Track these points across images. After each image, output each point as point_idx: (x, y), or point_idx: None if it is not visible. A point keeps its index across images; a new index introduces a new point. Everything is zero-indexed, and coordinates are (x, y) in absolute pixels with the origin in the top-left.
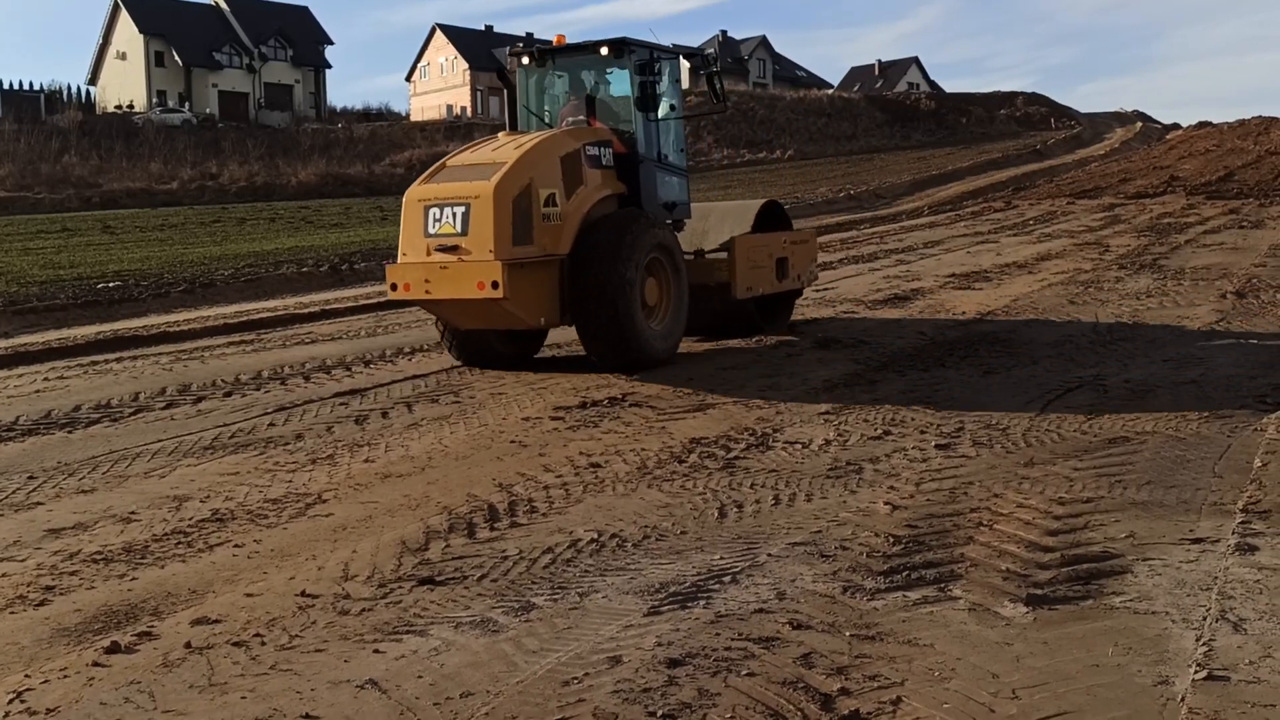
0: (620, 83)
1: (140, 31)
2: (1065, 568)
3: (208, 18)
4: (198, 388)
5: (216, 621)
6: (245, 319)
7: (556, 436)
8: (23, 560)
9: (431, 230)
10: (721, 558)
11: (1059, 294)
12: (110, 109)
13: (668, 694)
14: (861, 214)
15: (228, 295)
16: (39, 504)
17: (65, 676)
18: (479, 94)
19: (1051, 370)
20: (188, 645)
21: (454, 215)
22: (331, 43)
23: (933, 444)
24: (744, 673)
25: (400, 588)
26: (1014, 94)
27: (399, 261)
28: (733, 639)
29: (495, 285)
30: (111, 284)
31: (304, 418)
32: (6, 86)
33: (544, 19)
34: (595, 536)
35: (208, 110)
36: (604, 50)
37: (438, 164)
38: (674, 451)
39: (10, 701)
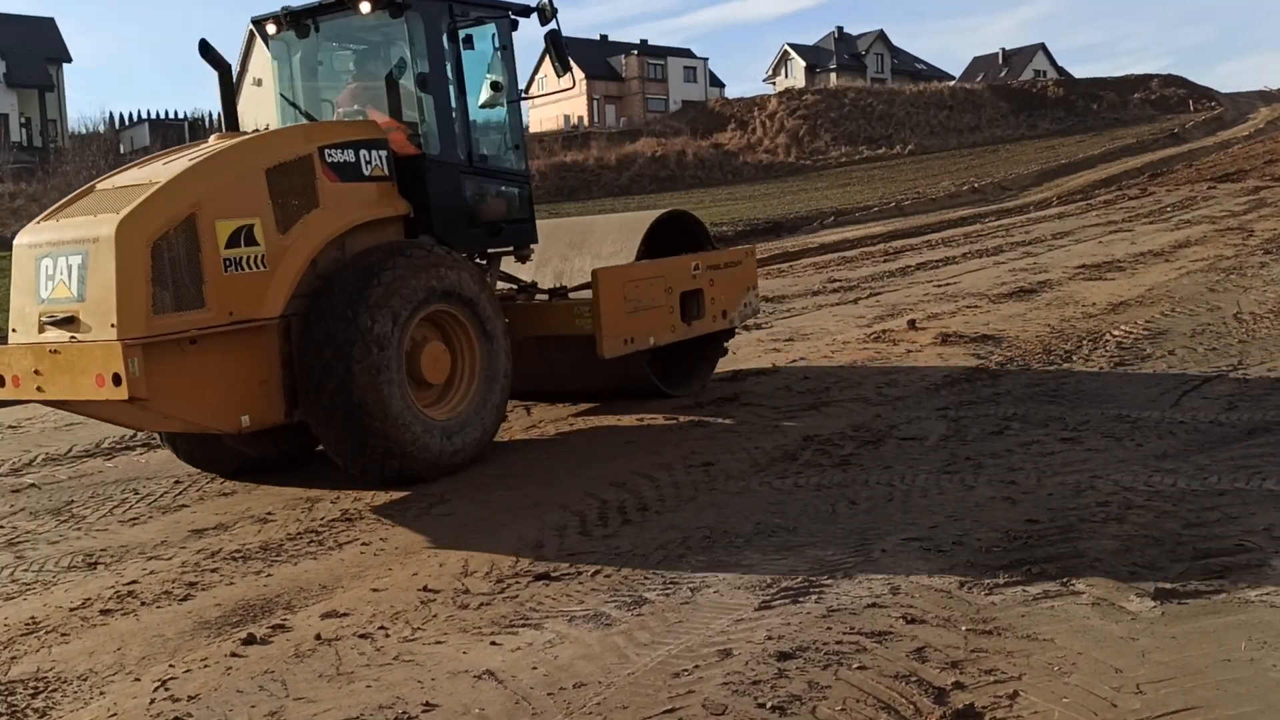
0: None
1: (275, 58)
2: (1197, 561)
3: None
4: None
5: (344, 615)
6: None
7: (669, 436)
8: (169, 559)
9: (44, 294)
10: (834, 553)
11: (1198, 282)
12: (248, 133)
13: (778, 686)
14: (986, 207)
15: None
16: (184, 506)
17: (205, 666)
18: (595, 103)
19: (1188, 361)
20: (318, 637)
21: (69, 270)
22: None
23: (1057, 437)
24: (855, 666)
25: (517, 583)
26: (1148, 77)
27: (8, 341)
28: (844, 633)
29: (118, 380)
30: None
31: None
32: (155, 116)
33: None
34: (707, 533)
35: None
36: (364, 6)
37: (85, 187)
38: (787, 449)
39: (155, 689)
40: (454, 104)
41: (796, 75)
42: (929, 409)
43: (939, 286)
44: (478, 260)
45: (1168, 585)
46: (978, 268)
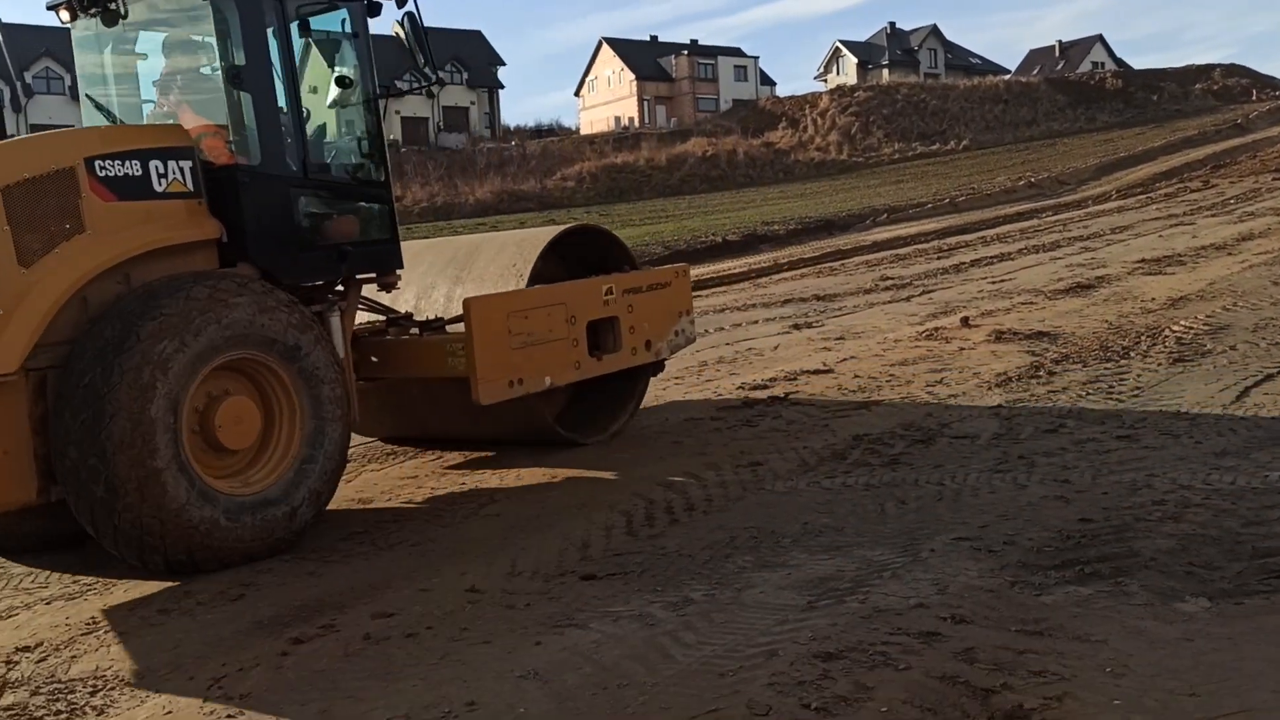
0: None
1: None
2: (1255, 560)
3: (390, 49)
4: None
5: (392, 615)
6: None
7: (718, 436)
8: None
9: None
10: (881, 553)
11: (1261, 276)
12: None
13: (822, 687)
14: (1043, 202)
15: None
16: None
17: (257, 665)
18: (646, 104)
19: (1249, 356)
20: (366, 636)
21: None
22: (504, 64)
23: (1113, 435)
24: (901, 667)
25: (563, 583)
26: (1210, 67)
27: None
28: (890, 633)
29: None
30: None
31: None
32: None
33: (709, 24)
34: (754, 533)
35: (392, 136)
36: None
37: None
38: (836, 449)
39: (209, 687)
40: (283, 103)
41: (848, 72)
42: (981, 407)
43: (994, 283)
44: (329, 291)
45: (1226, 585)
46: (1034, 263)
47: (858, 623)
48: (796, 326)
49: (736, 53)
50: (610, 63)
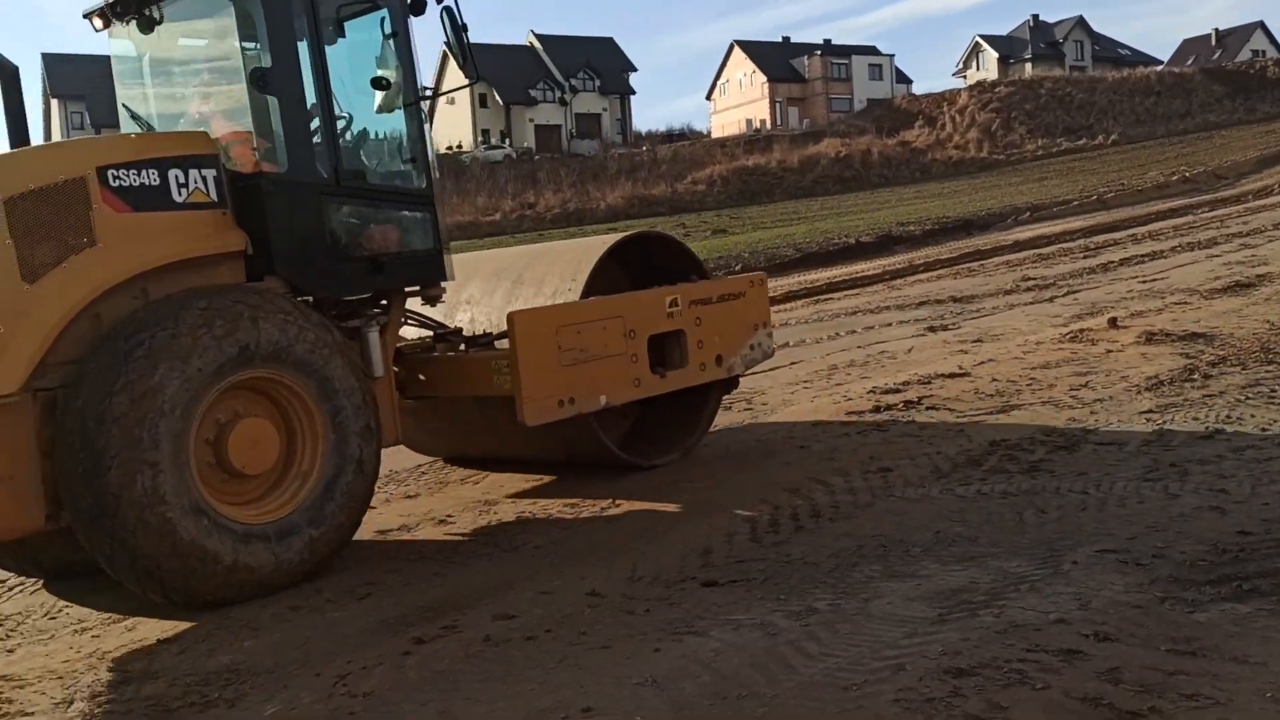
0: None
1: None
2: None
3: (523, 57)
4: None
5: (513, 617)
6: None
7: (847, 441)
8: (353, 558)
9: None
10: (1019, 565)
11: None
12: (441, 150)
13: (953, 705)
14: (1198, 197)
15: None
16: (371, 509)
17: (380, 664)
18: (778, 105)
19: None
20: (486, 638)
21: None
22: (635, 69)
23: (1276, 442)
24: (1038, 686)
25: (684, 589)
26: None
27: None
28: (1027, 650)
29: None
30: None
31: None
32: None
33: (842, 23)
34: (882, 541)
35: (525, 144)
36: None
37: None
38: (971, 455)
39: (334, 684)
40: (314, 107)
41: (989, 67)
42: (1129, 412)
43: (1144, 283)
44: (370, 305)
45: None
46: (1188, 262)
47: (992, 638)
48: (932, 329)
49: (871, 51)
50: (741, 65)
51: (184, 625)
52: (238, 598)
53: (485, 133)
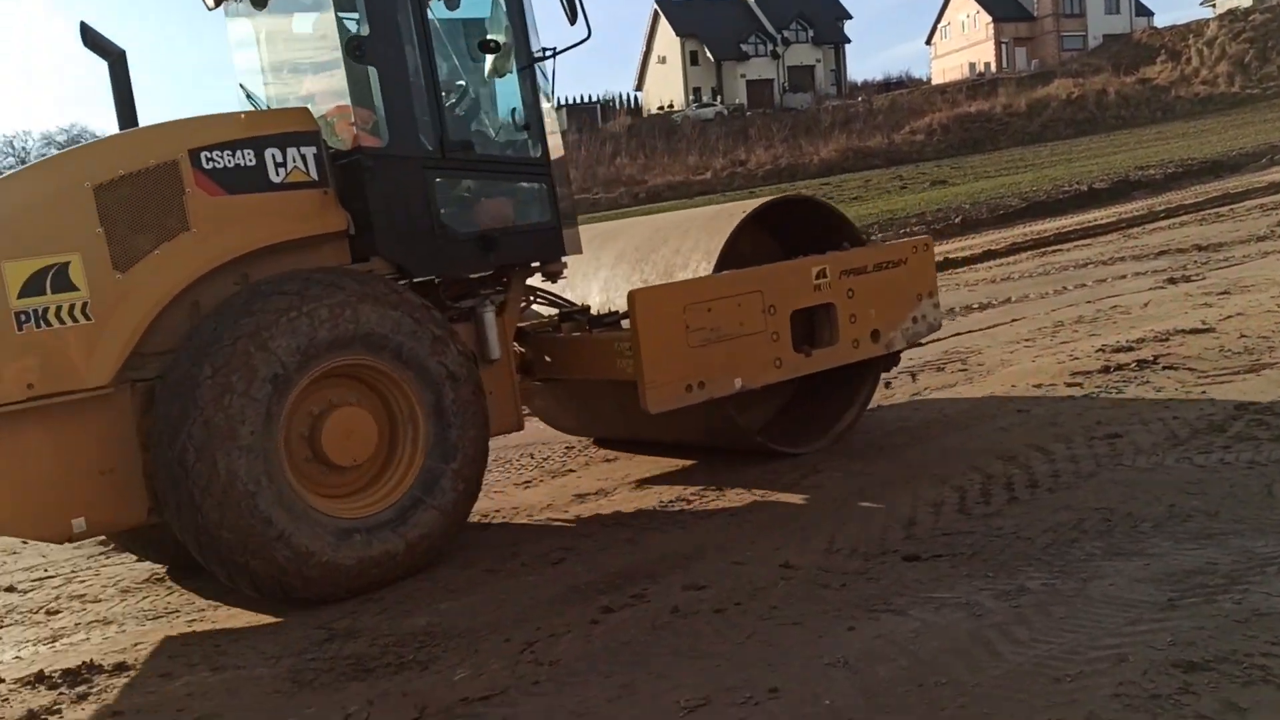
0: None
1: (677, 35)
2: None
3: (735, 11)
4: None
5: (703, 588)
6: None
7: (1071, 404)
8: (551, 522)
9: None
10: (1266, 545)
11: None
12: (653, 110)
13: (1182, 704)
14: None
15: None
16: (571, 471)
17: (569, 631)
18: (1004, 47)
19: None
20: (675, 609)
21: None
22: (850, 17)
23: None
24: None
25: (883, 563)
26: None
27: None
28: (1272, 643)
29: None
30: None
31: None
32: (570, 101)
33: None
34: (1106, 515)
35: (737, 100)
36: None
37: None
38: (1214, 420)
39: (522, 651)
40: (417, 76)
41: None
42: None
43: None
44: (490, 283)
45: None
46: None
47: (1231, 628)
48: (1172, 280)
49: None
50: (964, 5)
51: (386, 586)
52: (332, 595)
53: (696, 91)
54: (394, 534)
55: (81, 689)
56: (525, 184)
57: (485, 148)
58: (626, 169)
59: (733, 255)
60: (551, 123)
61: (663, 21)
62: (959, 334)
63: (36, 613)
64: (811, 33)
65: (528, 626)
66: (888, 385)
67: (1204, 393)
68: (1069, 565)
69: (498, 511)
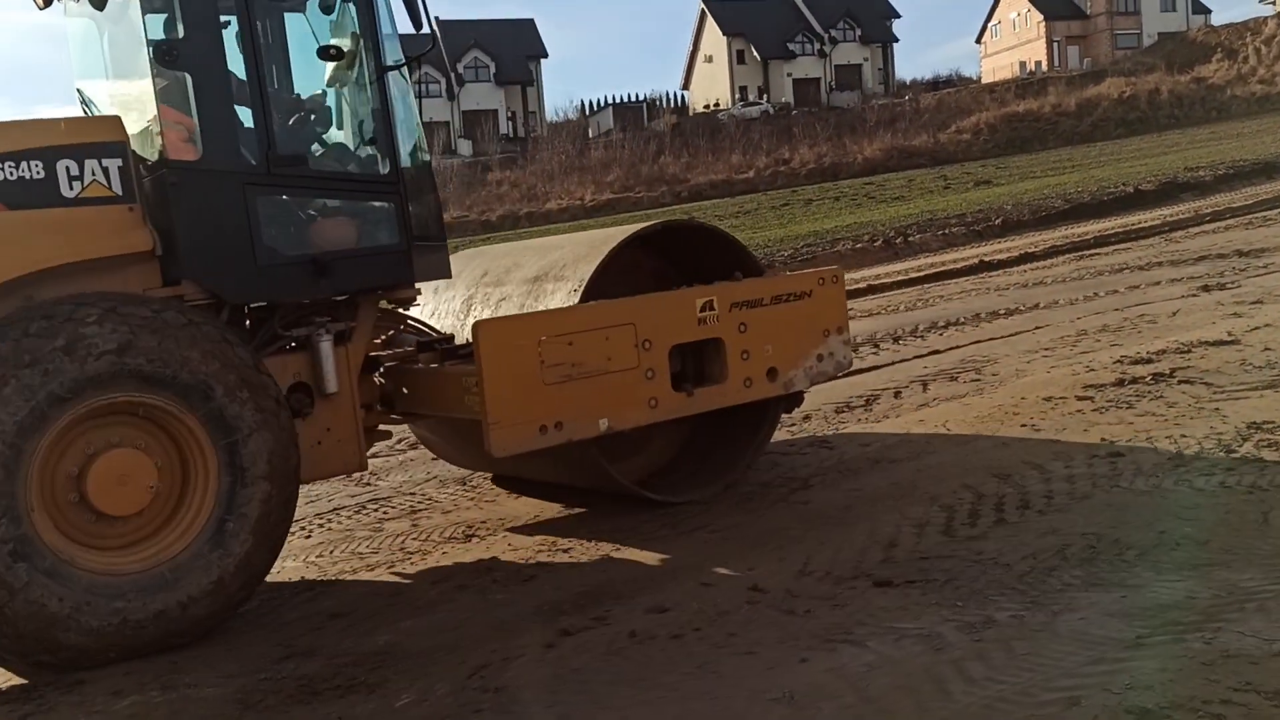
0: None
1: (723, 34)
2: None
3: (782, 10)
4: None
5: (666, 611)
6: None
7: (1078, 419)
8: (533, 535)
9: None
10: (1251, 578)
11: None
12: (699, 109)
13: None
14: None
15: None
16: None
17: (522, 655)
18: (1055, 45)
19: None
20: (632, 634)
21: None
22: (898, 16)
23: None
24: None
25: (853, 588)
26: None
27: None
28: (1235, 688)
29: None
30: None
31: (815, 398)
32: (617, 100)
33: None
34: (1092, 542)
35: (783, 99)
36: None
37: None
38: (1222, 439)
39: (471, 676)
40: (241, 84)
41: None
42: None
43: None
44: (324, 310)
45: None
46: None
47: (1194, 670)
48: (1205, 288)
49: None
50: (1016, 4)
51: (358, 600)
52: (87, 661)
53: (743, 89)
54: (166, 595)
55: (29, 707)
56: (370, 203)
57: (323, 163)
58: (670, 167)
59: (628, 283)
60: (412, 138)
61: (710, 20)
62: (978, 341)
63: None
64: (859, 31)
65: (484, 648)
66: (898, 395)
67: (1217, 409)
68: (1043, 595)
69: (483, 524)
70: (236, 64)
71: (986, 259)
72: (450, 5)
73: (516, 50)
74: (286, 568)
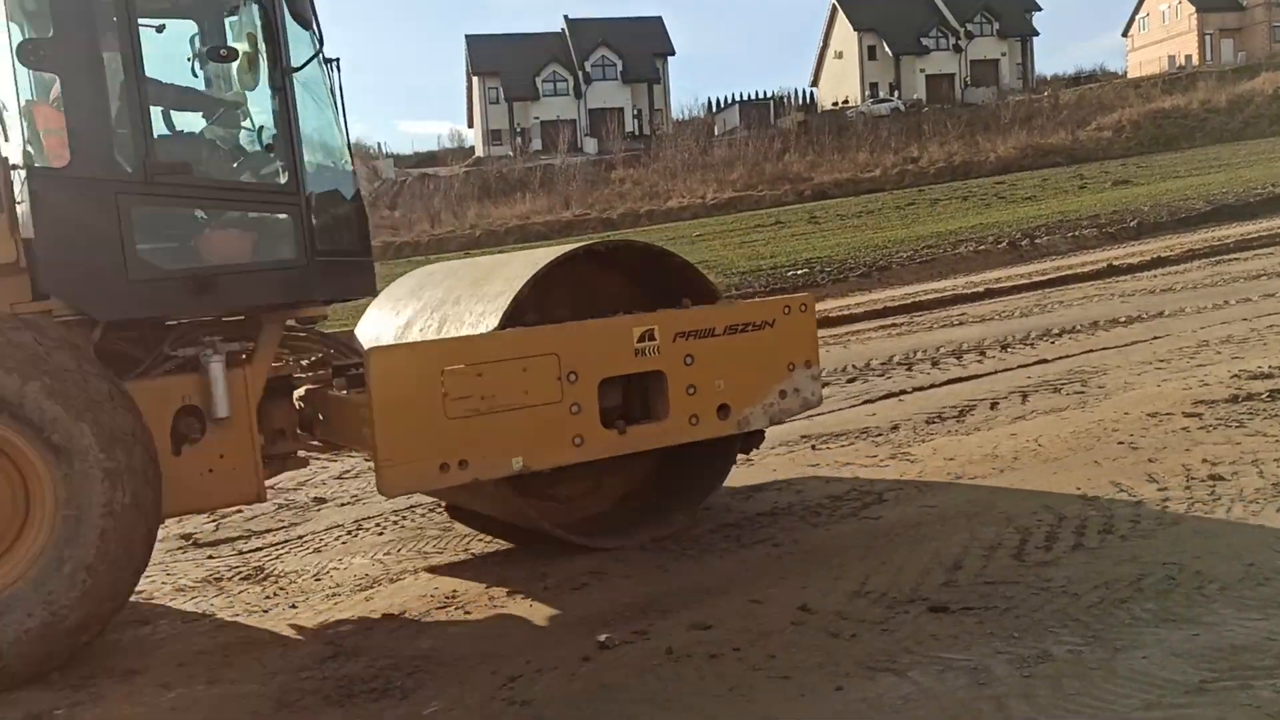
0: None
1: (854, 29)
2: None
3: (916, 4)
4: (825, 373)
5: (709, 628)
6: (908, 301)
7: (1181, 438)
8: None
9: None
10: None
11: None
12: (828, 107)
13: None
14: None
15: (902, 277)
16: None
17: (555, 668)
18: (1208, 39)
19: None
20: (669, 651)
21: None
22: (1039, 9)
23: None
24: None
25: (906, 612)
26: None
27: None
28: None
29: None
30: (799, 271)
31: (908, 406)
32: (744, 98)
33: None
34: (1172, 573)
35: (915, 95)
36: None
37: None
38: None
39: (502, 686)
40: (116, 87)
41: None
42: None
43: None
44: (218, 329)
45: None
46: None
47: None
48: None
49: None
50: None
51: (410, 602)
52: None
53: (873, 86)
54: (10, 620)
55: (82, 695)
56: (267, 216)
57: (212, 172)
58: (794, 166)
59: (591, 310)
60: (330, 146)
61: (840, 16)
62: (1090, 351)
63: None
64: (997, 25)
65: (519, 659)
66: (994, 406)
67: None
68: (1107, 630)
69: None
70: (115, 66)
71: (1116, 263)
72: (579, 4)
73: (644, 48)
74: (355, 564)
